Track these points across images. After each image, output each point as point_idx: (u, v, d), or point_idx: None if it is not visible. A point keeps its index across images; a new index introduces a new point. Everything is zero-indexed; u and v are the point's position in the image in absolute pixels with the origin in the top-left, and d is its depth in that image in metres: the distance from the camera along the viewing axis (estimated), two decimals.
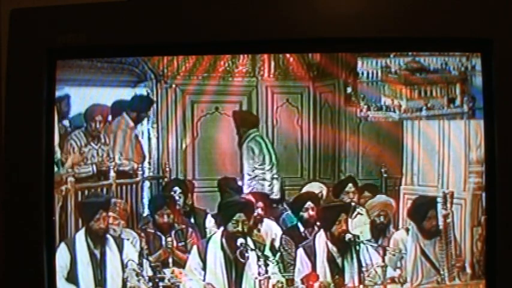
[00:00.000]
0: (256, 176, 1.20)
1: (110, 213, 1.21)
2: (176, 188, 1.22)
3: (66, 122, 1.22)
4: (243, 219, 1.20)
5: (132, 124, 1.22)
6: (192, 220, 1.22)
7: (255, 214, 1.20)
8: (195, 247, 1.21)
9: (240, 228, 1.19)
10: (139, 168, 1.22)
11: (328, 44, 1.18)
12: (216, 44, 1.18)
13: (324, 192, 1.20)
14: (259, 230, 1.20)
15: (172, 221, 1.22)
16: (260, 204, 1.20)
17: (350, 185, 1.19)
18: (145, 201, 1.22)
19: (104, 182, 1.22)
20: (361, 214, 1.20)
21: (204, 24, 1.16)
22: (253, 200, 1.20)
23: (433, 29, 1.13)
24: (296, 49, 1.20)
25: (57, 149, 1.20)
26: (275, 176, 1.20)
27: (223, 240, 1.20)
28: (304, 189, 1.20)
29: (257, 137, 1.21)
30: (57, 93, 1.20)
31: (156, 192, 1.22)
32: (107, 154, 1.22)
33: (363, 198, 1.19)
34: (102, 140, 1.22)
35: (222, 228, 1.20)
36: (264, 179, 1.21)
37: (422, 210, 1.18)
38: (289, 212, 1.20)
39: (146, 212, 1.22)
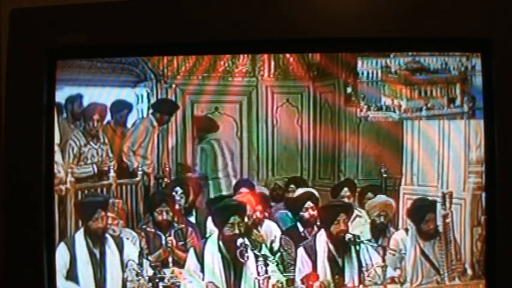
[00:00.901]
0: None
1: (109, 213, 1.21)
2: (178, 189, 1.22)
3: (66, 122, 1.22)
4: (238, 221, 1.19)
5: (156, 124, 1.22)
6: (193, 220, 1.22)
7: (254, 216, 1.20)
8: (192, 249, 1.20)
9: (236, 231, 1.19)
10: (146, 168, 1.22)
11: (328, 44, 1.18)
12: (216, 44, 1.18)
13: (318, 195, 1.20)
14: (258, 231, 1.20)
15: (172, 219, 1.21)
16: (259, 206, 1.20)
17: (345, 189, 1.19)
18: (145, 200, 1.22)
19: (104, 181, 1.22)
20: (360, 216, 1.20)
21: (204, 24, 1.16)
22: (245, 200, 1.20)
23: (433, 29, 1.13)
24: (296, 49, 1.20)
25: (57, 148, 1.20)
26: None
27: (220, 242, 1.20)
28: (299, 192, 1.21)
29: (212, 140, 1.21)
30: (58, 94, 1.20)
31: (155, 191, 1.22)
32: (106, 154, 1.22)
33: (362, 200, 1.19)
34: (101, 140, 1.22)
35: (218, 231, 1.20)
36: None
37: (421, 213, 1.18)
38: (288, 212, 1.20)
39: (146, 211, 1.22)
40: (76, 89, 1.21)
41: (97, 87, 1.21)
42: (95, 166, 1.22)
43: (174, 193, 1.22)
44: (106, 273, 1.21)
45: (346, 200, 1.19)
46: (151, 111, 1.22)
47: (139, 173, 1.22)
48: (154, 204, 1.22)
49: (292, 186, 1.20)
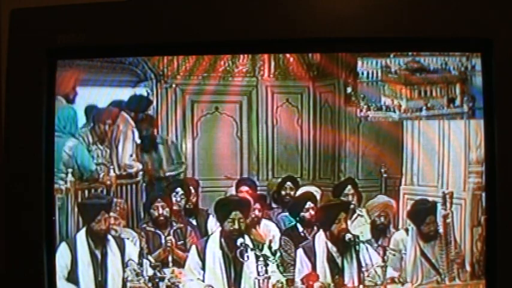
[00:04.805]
0: None
1: (111, 214, 1.21)
2: (178, 189, 1.22)
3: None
4: (239, 216, 1.20)
5: (133, 123, 1.22)
6: (193, 220, 1.22)
7: (253, 215, 1.20)
8: (193, 247, 1.21)
9: (236, 226, 1.19)
10: (139, 168, 1.22)
11: (328, 44, 1.18)
12: (216, 44, 1.18)
13: (318, 196, 1.20)
14: (257, 230, 1.20)
15: (169, 214, 1.21)
16: (257, 205, 1.20)
17: (349, 187, 1.19)
18: (144, 200, 1.22)
19: (105, 182, 1.22)
20: (361, 216, 1.20)
21: (204, 24, 1.16)
22: (247, 197, 1.20)
23: (433, 29, 1.13)
24: (296, 49, 1.20)
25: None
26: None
27: (222, 239, 1.20)
28: (300, 191, 1.20)
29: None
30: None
31: (151, 188, 1.22)
32: (108, 154, 1.22)
33: (363, 200, 1.19)
34: (106, 141, 1.22)
35: (220, 228, 1.20)
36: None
37: (421, 215, 1.18)
38: (287, 212, 1.20)
39: (144, 209, 1.22)
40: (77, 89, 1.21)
41: (97, 87, 1.21)
42: (97, 166, 1.22)
43: (174, 193, 1.22)
44: (107, 274, 1.21)
45: (350, 197, 1.19)
46: (125, 110, 1.21)
47: (140, 173, 1.22)
48: (151, 201, 1.22)
49: (288, 183, 1.20)
